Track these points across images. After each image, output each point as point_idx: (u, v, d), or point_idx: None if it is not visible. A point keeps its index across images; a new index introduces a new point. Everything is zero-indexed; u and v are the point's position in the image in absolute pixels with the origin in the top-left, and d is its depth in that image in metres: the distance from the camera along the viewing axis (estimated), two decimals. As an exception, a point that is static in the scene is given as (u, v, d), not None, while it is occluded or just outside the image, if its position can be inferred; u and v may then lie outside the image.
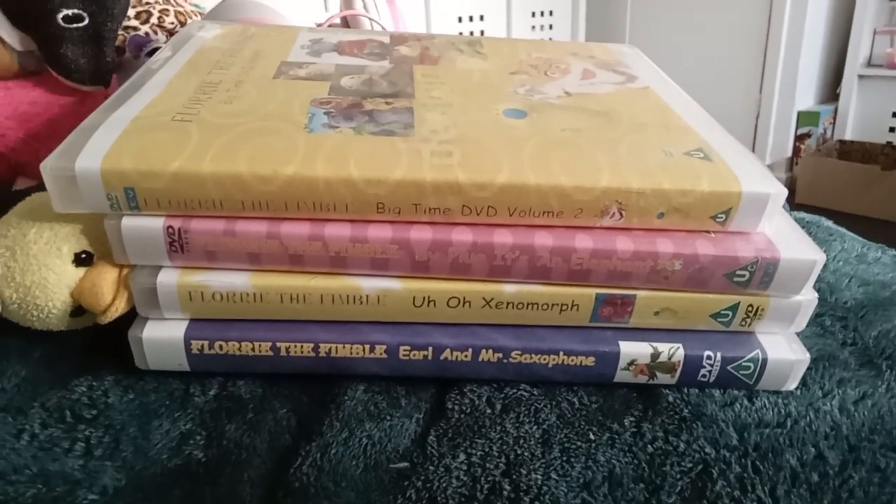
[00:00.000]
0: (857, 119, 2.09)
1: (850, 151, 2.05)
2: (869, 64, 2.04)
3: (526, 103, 0.36)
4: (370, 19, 0.70)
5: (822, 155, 2.01)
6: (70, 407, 0.30)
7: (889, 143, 2.01)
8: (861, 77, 2.03)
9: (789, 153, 2.14)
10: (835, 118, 2.12)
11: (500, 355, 0.31)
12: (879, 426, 0.29)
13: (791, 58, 2.01)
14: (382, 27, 0.71)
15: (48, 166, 0.27)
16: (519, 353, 0.31)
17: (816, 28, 2.02)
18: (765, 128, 2.13)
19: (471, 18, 1.85)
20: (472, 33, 1.82)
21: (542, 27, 2.02)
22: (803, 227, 0.46)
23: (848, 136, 2.10)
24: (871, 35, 2.01)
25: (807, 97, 2.11)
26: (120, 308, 0.31)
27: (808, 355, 0.31)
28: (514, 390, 0.31)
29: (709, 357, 0.31)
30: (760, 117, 2.13)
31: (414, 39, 0.46)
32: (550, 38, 2.05)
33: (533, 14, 1.99)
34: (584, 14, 2.11)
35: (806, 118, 2.09)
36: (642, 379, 0.31)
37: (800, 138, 2.11)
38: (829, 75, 2.17)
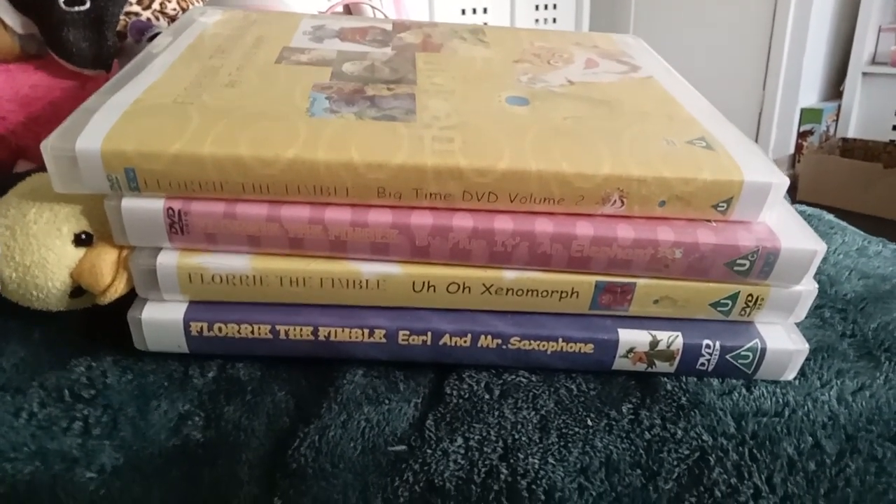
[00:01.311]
0: (860, 117, 2.08)
1: (852, 149, 2.05)
2: (873, 62, 2.03)
3: (528, 91, 0.36)
4: (373, 7, 0.70)
5: (824, 152, 2.01)
6: (69, 387, 0.30)
7: (892, 142, 2.00)
8: (865, 75, 2.02)
9: (792, 150, 2.13)
10: (838, 115, 2.11)
11: (500, 341, 0.31)
12: (877, 416, 0.29)
13: (795, 54, 2.01)
14: (385, 15, 0.71)
15: (49, 146, 0.27)
16: (518, 339, 0.31)
17: (821, 25, 2.02)
18: (768, 124, 2.12)
19: (474, 11, 1.84)
20: (475, 26, 1.81)
21: (545, 20, 2.02)
22: (804, 220, 0.46)
23: (851, 134, 2.09)
24: (875, 32, 2.00)
25: (810, 94, 2.11)
26: (119, 289, 0.31)
27: (807, 345, 0.31)
28: (513, 376, 0.31)
29: (708, 346, 0.31)
30: (763, 114, 2.12)
31: (416, 27, 0.46)
32: (554, 32, 2.03)
33: (536, 7, 1.98)
34: (589, 7, 2.10)
35: (809, 115, 2.08)
36: (641, 367, 0.31)
37: (802, 135, 2.10)
38: (833, 72, 2.16)
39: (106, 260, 0.30)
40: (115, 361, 0.31)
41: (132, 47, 0.55)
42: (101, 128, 0.28)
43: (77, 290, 0.32)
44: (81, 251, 0.31)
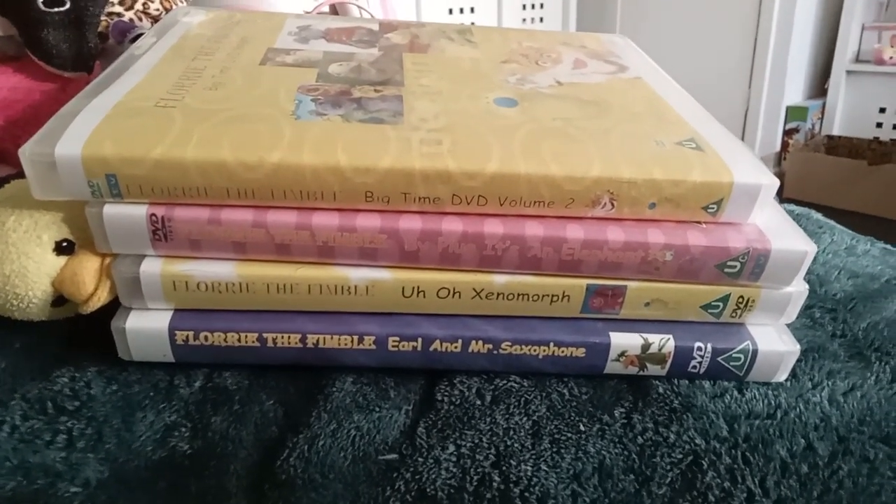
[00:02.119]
0: (844, 114, 2.10)
1: (837, 146, 2.07)
2: (857, 59, 2.05)
3: (517, 92, 0.35)
4: (359, 7, 0.69)
5: (809, 150, 2.03)
6: (51, 398, 0.29)
7: (876, 139, 2.02)
8: (849, 72, 2.04)
9: (777, 148, 2.15)
10: (823, 113, 2.13)
11: (490, 346, 0.30)
12: (868, 417, 0.29)
13: (780, 53, 2.02)
14: (372, 15, 0.71)
15: (27, 152, 0.27)
16: (509, 344, 0.30)
17: (805, 23, 2.03)
18: (753, 122, 2.13)
19: (461, 11, 1.84)
20: (462, 25, 1.80)
21: (532, 20, 2.02)
22: (794, 221, 0.46)
23: (836, 132, 2.11)
24: (859, 30, 2.02)
25: (795, 92, 2.12)
26: (102, 298, 0.30)
27: (798, 347, 0.31)
28: (504, 381, 0.31)
29: (699, 348, 0.31)
30: (749, 112, 2.14)
31: (403, 27, 0.45)
32: (541, 31, 2.03)
33: (524, 7, 1.98)
34: (575, 7, 2.10)
35: (794, 113, 2.10)
36: (633, 370, 0.31)
37: (788, 133, 2.12)
38: (818, 70, 2.18)
39: (88, 268, 0.30)
40: (100, 372, 0.31)
41: (114, 49, 0.54)
42: (81, 132, 0.27)
43: (59, 300, 0.31)
44: (63, 259, 0.30)
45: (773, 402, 0.30)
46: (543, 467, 0.26)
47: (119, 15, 0.56)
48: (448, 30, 0.45)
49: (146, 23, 0.57)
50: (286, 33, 0.41)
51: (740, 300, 0.31)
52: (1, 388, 0.30)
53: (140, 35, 0.52)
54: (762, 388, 0.31)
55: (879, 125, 2.05)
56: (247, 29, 0.42)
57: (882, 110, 2.04)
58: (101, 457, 0.27)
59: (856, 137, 2.04)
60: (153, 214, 0.28)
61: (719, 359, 0.31)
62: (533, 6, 2.01)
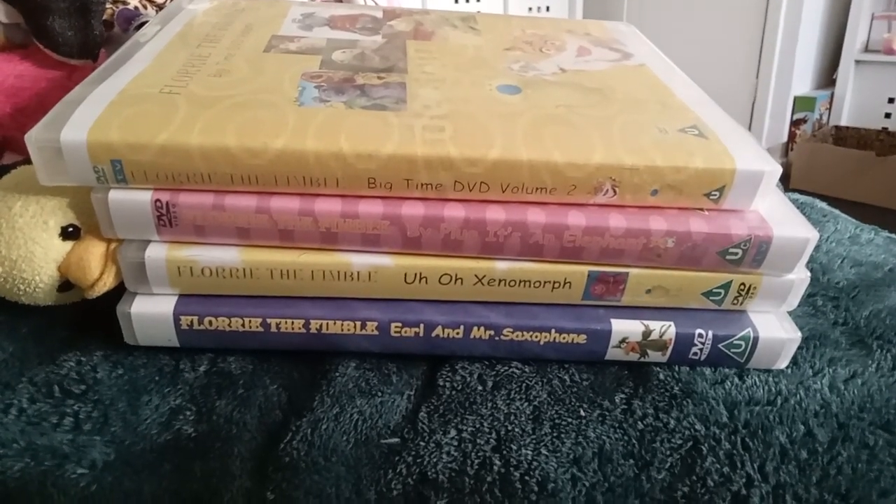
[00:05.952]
0: (853, 105, 2.08)
1: (845, 137, 2.05)
2: (866, 49, 2.02)
3: (520, 79, 0.35)
4: (364, -4, 0.69)
5: (817, 140, 2.01)
6: (58, 382, 0.30)
7: (884, 129, 2.00)
8: (858, 62, 2.02)
9: (785, 138, 2.13)
10: (831, 104, 2.11)
11: (492, 332, 0.30)
12: (869, 404, 0.29)
13: (788, 42, 2.00)
14: (376, 3, 0.70)
15: (33, 137, 0.27)
16: (511, 330, 0.30)
17: (814, 12, 2.01)
18: (761, 113, 2.12)
19: (467, 0, 1.83)
20: (468, 14, 1.79)
21: (538, 9, 2.00)
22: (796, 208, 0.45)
23: (844, 122, 2.09)
24: (868, 20, 1.99)
25: (803, 82, 2.10)
26: (108, 283, 0.30)
27: (799, 334, 0.31)
28: (506, 367, 0.31)
29: (700, 335, 0.31)
30: (757, 102, 2.12)
31: (407, 15, 0.45)
32: (547, 20, 2.01)
33: (530, -4, 1.97)
34: (582, -4, 2.09)
35: (802, 103, 2.08)
36: (633, 357, 0.31)
37: (796, 123, 2.10)
38: (826, 60, 2.16)
39: (94, 253, 0.30)
40: (105, 356, 0.31)
41: (119, 36, 0.54)
42: (86, 118, 0.28)
43: (65, 285, 0.31)
44: (69, 244, 0.30)
45: (773, 389, 0.30)
46: (544, 452, 0.26)
47: (124, 3, 0.56)
48: (452, 17, 0.45)
49: (151, 11, 0.57)
50: (290, 20, 0.42)
51: (742, 287, 0.31)
52: (9, 372, 0.30)
53: (145, 23, 0.52)
54: (763, 374, 0.31)
55: (888, 116, 2.03)
56: (251, 16, 0.42)
57: (891, 101, 2.02)
58: (107, 439, 0.27)
59: (864, 128, 2.02)
60: (158, 200, 0.28)
61: (720, 346, 0.31)
62: (539, -5, 1.99)
